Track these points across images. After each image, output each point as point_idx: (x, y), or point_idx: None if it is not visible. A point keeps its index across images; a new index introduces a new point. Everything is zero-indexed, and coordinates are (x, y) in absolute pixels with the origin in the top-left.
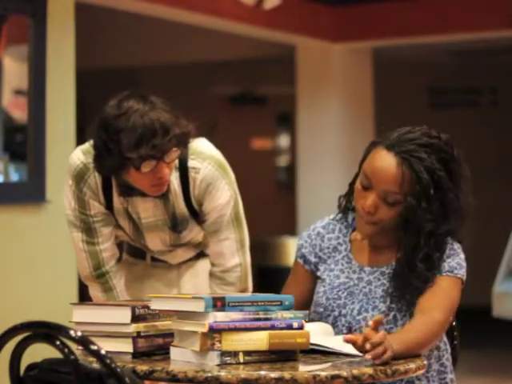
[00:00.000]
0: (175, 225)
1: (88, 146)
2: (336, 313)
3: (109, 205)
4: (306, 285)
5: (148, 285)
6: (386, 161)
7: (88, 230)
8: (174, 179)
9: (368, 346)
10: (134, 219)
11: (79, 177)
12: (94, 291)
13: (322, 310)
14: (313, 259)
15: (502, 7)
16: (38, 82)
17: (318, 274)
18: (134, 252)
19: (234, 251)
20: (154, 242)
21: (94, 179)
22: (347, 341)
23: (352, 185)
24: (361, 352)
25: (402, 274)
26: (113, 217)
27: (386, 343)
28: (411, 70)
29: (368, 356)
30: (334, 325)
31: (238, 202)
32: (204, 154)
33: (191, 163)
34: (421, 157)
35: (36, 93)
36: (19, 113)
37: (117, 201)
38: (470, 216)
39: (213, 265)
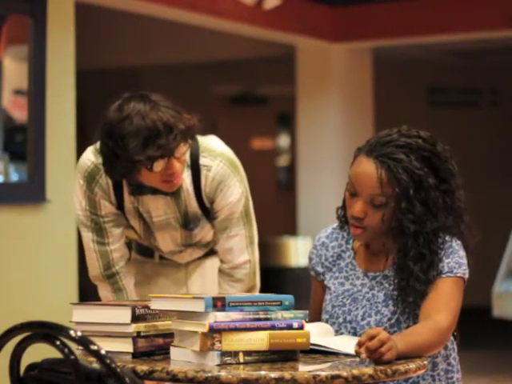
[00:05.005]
0: (187, 222)
1: (98, 146)
2: (341, 319)
3: (120, 205)
4: (323, 295)
5: (157, 283)
6: (365, 166)
7: (99, 230)
8: (186, 177)
9: (364, 337)
10: (144, 219)
11: (90, 177)
12: (104, 291)
13: (327, 317)
14: (320, 269)
15: (502, 7)
16: (37, 82)
17: (325, 282)
18: (142, 250)
19: (243, 248)
20: (166, 241)
21: (105, 179)
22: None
23: None
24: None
25: (400, 276)
26: (124, 217)
27: (390, 342)
28: (411, 70)
29: (363, 355)
30: (339, 331)
31: (248, 198)
32: (215, 152)
33: (203, 161)
34: (398, 158)
35: (36, 93)
36: (19, 113)
37: (128, 200)
38: (465, 211)
39: (222, 261)
